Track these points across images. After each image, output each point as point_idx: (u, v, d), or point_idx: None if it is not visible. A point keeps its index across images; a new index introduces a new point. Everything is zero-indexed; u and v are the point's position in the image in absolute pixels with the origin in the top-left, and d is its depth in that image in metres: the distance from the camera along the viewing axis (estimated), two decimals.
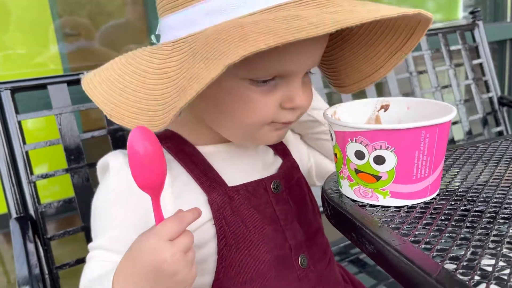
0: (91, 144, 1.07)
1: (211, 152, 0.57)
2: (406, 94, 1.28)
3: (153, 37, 0.52)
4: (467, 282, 0.34)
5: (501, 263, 0.37)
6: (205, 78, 0.38)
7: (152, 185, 0.43)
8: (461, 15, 2.00)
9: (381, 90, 1.38)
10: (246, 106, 0.49)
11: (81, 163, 0.86)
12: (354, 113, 0.57)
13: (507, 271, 0.36)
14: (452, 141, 1.34)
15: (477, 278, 0.35)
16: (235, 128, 0.52)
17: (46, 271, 0.82)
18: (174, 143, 0.56)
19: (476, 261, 0.37)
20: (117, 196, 0.53)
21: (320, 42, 0.50)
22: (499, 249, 0.38)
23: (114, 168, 0.54)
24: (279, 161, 0.63)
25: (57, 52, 1.24)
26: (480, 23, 1.43)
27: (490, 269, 0.36)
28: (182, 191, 0.54)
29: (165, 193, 0.52)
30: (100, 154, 0.94)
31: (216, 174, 0.56)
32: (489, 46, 1.46)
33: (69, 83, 0.88)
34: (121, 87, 0.48)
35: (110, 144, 0.89)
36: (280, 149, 0.65)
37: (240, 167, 0.58)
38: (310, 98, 0.55)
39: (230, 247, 0.54)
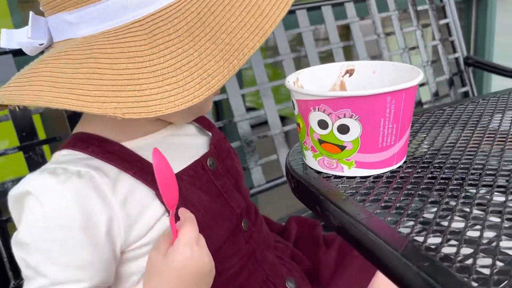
0: (47, 119, 1.00)
1: (140, 146, 0.53)
2: (374, 57, 1.25)
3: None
4: (433, 256, 0.32)
5: (470, 233, 0.36)
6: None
7: (175, 202, 0.44)
8: None
9: (348, 53, 1.35)
10: None
11: (35, 139, 0.81)
12: (318, 79, 0.54)
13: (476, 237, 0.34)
14: (419, 103, 1.34)
15: (444, 251, 0.33)
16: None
17: (4, 255, 0.78)
18: (98, 146, 0.50)
19: (443, 233, 0.35)
20: (66, 222, 0.46)
21: None
22: (466, 217, 0.37)
23: (48, 193, 0.46)
24: (208, 136, 0.62)
25: (10, 20, 1.14)
26: None
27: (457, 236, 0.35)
28: (127, 193, 0.49)
29: (111, 200, 0.47)
30: (56, 129, 0.89)
31: (148, 165, 0.50)
32: (456, 6, 1.44)
33: (15, 53, 0.81)
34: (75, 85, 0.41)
35: (66, 119, 0.84)
36: (207, 124, 0.64)
37: (175, 154, 0.53)
38: None
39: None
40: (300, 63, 1.22)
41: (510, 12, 2.21)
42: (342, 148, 0.45)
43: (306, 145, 0.48)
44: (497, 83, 1.92)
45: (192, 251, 0.44)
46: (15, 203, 0.48)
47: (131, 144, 0.52)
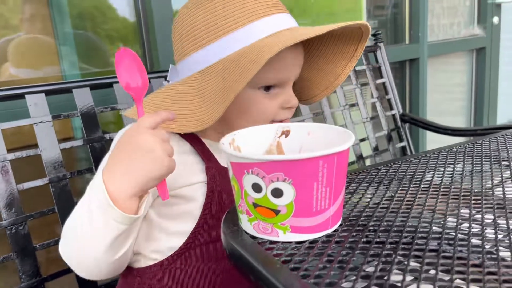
0: None
1: (210, 143, 0.72)
2: (316, 113, 1.29)
3: (165, 82, 0.73)
4: None
5: None
6: (244, 78, 0.57)
7: (135, 88, 0.58)
8: None
9: None
10: (258, 107, 0.68)
11: None
12: (254, 140, 0.53)
13: None
14: (360, 157, 1.38)
15: None
16: (249, 125, 0.67)
17: None
18: (189, 134, 0.70)
19: None
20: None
21: (299, 58, 0.71)
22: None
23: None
24: None
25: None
26: (382, 45, 1.51)
27: None
28: (187, 157, 0.69)
29: (175, 152, 0.59)
30: None
31: (213, 155, 0.71)
32: (391, 66, 1.54)
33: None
34: (166, 106, 0.65)
35: None
36: None
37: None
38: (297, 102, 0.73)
39: (213, 205, 0.68)
40: None
41: (439, 72, 2.41)
42: (277, 212, 0.44)
43: (241, 209, 0.47)
44: (432, 137, 2.04)
45: (136, 127, 0.55)
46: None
47: (206, 141, 0.72)
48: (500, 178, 0.61)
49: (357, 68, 1.41)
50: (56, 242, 0.83)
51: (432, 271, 0.38)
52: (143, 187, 0.54)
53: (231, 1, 0.64)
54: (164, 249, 0.68)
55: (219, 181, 0.69)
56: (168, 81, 0.74)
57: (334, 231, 0.47)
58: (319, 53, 0.77)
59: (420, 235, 0.45)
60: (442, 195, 0.55)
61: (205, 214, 0.68)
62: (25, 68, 1.16)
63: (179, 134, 0.68)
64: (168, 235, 0.68)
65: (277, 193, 0.43)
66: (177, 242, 0.68)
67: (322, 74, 0.78)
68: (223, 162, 0.71)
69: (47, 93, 0.86)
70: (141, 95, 0.58)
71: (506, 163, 0.67)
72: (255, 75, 0.58)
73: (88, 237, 0.56)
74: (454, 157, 0.70)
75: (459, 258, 0.41)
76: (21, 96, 0.83)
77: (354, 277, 0.38)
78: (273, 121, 0.70)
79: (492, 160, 0.68)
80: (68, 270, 0.85)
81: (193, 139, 0.71)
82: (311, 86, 0.79)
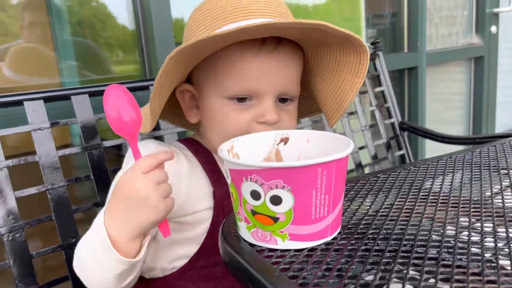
0: None
1: (219, 160, 0.71)
2: (315, 121, 1.29)
3: None
4: None
5: None
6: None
7: (127, 131, 0.55)
8: None
9: None
10: (223, 119, 0.65)
11: None
12: (253, 147, 0.53)
13: None
14: (359, 165, 1.38)
15: None
16: (217, 137, 0.67)
17: None
18: (196, 147, 0.72)
19: None
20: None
21: (280, 70, 0.64)
22: None
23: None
24: None
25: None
26: (381, 53, 1.51)
27: None
28: (196, 180, 0.68)
29: (183, 177, 0.66)
30: None
31: (221, 174, 0.69)
32: (390, 75, 1.54)
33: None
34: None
35: None
36: None
37: None
38: (290, 121, 0.68)
39: (217, 231, 0.63)
40: None
41: (437, 81, 2.42)
42: (275, 219, 0.43)
43: (240, 216, 0.46)
44: (430, 145, 2.04)
45: (132, 174, 0.54)
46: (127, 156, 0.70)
47: (216, 155, 0.71)
48: (500, 187, 0.60)
49: None
50: (53, 250, 0.82)
51: (432, 280, 0.38)
52: (141, 232, 0.56)
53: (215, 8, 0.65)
54: (168, 266, 0.70)
55: (226, 204, 0.68)
56: None
57: (333, 239, 0.46)
58: (324, 65, 0.70)
59: (419, 243, 0.45)
60: (441, 203, 0.55)
61: (209, 237, 0.68)
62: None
63: (192, 152, 0.70)
64: (172, 256, 0.70)
65: (276, 200, 0.42)
66: (179, 263, 0.70)
67: (331, 90, 0.70)
68: None
69: (46, 99, 0.86)
70: (134, 137, 0.55)
71: (505, 171, 0.66)
72: (220, 84, 0.62)
73: (93, 267, 0.58)
74: (453, 165, 0.70)
75: (458, 266, 0.40)
76: (20, 102, 0.83)
77: (353, 286, 0.37)
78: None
79: (491, 168, 0.68)
80: (65, 278, 0.84)
81: (205, 156, 0.70)
82: (323, 106, 0.73)
